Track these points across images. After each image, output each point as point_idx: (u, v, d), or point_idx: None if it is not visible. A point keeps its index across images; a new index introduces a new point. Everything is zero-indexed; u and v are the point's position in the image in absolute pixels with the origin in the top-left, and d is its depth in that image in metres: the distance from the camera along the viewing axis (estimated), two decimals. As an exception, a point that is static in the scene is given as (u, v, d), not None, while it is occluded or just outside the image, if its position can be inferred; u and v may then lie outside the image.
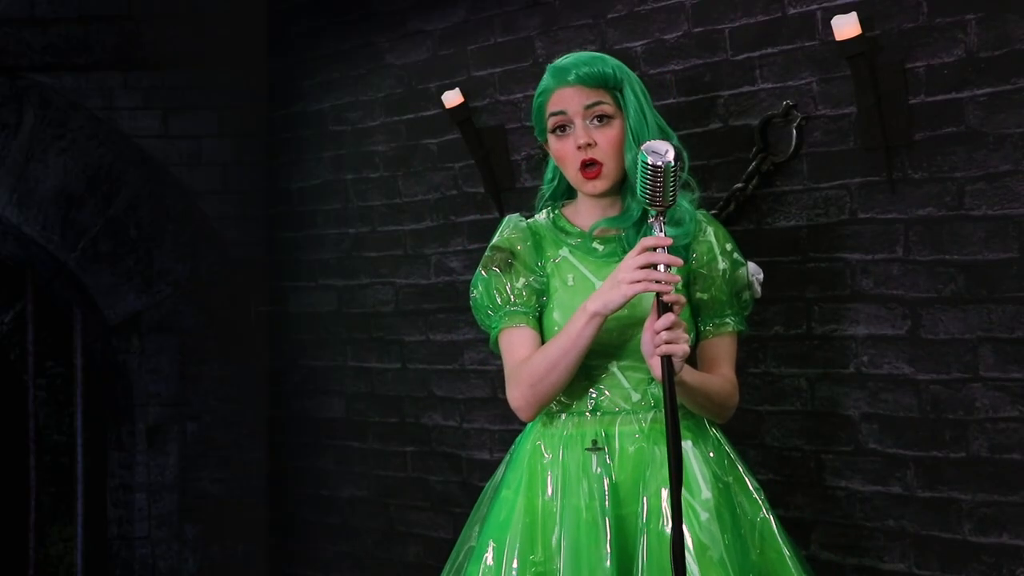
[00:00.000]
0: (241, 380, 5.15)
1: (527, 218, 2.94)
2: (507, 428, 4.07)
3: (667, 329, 2.49)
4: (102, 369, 5.32)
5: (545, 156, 2.95)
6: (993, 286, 2.96)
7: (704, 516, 2.67)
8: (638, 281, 2.53)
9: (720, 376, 2.79)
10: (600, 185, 2.79)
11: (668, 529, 2.62)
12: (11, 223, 5.04)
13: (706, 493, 2.70)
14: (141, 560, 5.10)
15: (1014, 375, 2.93)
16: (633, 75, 2.86)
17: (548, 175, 2.97)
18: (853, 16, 3.09)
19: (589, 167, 2.77)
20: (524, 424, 2.89)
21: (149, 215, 5.11)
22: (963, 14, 2.99)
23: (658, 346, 2.50)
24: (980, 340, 2.99)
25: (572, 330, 2.66)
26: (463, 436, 4.27)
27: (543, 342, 2.80)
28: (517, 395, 2.76)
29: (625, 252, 2.76)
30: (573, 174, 2.81)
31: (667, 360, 2.49)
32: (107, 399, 5.29)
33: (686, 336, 2.53)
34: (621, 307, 2.60)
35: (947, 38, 3.02)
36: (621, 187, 2.81)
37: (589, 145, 2.76)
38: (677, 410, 2.47)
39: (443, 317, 4.35)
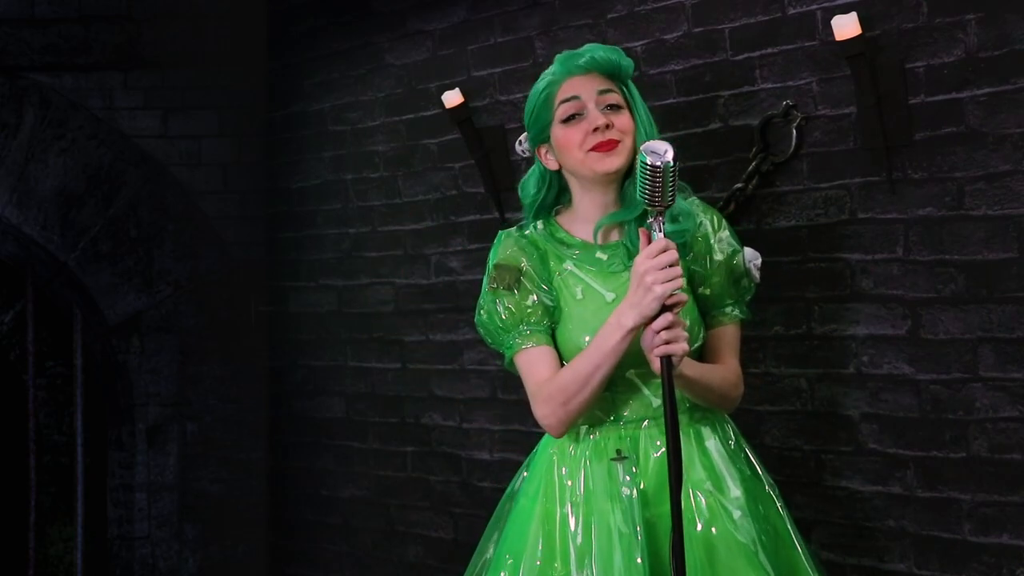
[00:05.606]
0: (241, 380, 5.15)
1: (520, 229, 2.84)
2: (507, 428, 4.07)
3: (666, 329, 2.48)
4: (102, 369, 5.31)
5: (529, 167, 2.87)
6: (993, 286, 2.96)
7: (737, 515, 2.66)
8: (668, 280, 2.47)
9: (723, 366, 2.77)
10: (616, 161, 2.70)
11: (698, 528, 2.63)
12: (11, 223, 5.04)
13: (735, 491, 2.69)
14: (141, 560, 5.10)
15: (1014, 375, 2.93)
16: None
17: (532, 188, 2.85)
18: (853, 16, 3.09)
19: (605, 141, 2.69)
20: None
21: (149, 215, 5.11)
22: (963, 14, 2.99)
23: (657, 346, 2.49)
24: (980, 340, 2.98)
25: (606, 346, 2.57)
26: (463, 436, 4.27)
27: (559, 357, 2.75)
28: (548, 413, 2.68)
29: (629, 257, 2.72)
30: (582, 157, 2.72)
31: (666, 360, 2.48)
32: (107, 399, 5.29)
33: (685, 335, 2.51)
34: (657, 311, 2.50)
35: (947, 38, 3.02)
36: (621, 183, 2.75)
37: (608, 126, 2.69)
38: (677, 410, 2.47)
39: (443, 317, 4.35)
